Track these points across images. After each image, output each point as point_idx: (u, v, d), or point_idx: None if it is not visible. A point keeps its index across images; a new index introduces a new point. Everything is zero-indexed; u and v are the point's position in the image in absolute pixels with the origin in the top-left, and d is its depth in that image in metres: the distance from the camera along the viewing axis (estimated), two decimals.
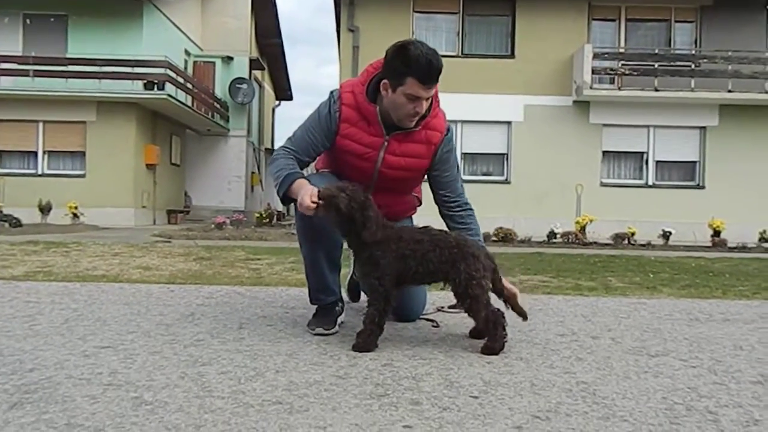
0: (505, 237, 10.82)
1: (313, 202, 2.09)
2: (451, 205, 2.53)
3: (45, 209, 13.27)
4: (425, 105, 2.27)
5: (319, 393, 1.64)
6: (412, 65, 2.16)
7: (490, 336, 2.12)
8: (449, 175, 2.51)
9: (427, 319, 2.68)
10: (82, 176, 14.65)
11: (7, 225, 11.31)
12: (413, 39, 2.21)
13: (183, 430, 1.36)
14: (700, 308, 3.29)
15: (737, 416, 1.55)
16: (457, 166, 2.56)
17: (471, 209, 2.57)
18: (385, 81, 2.27)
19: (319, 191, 2.10)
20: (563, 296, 3.69)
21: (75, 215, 13.17)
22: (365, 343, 2.10)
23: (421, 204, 2.84)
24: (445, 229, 2.42)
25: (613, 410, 1.57)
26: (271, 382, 1.73)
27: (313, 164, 2.62)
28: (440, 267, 2.13)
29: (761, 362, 2.12)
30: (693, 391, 1.75)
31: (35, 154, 14.88)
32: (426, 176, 2.55)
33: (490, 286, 2.17)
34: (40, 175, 14.76)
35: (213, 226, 11.90)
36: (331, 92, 2.43)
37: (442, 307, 2.91)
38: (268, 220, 13.50)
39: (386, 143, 2.37)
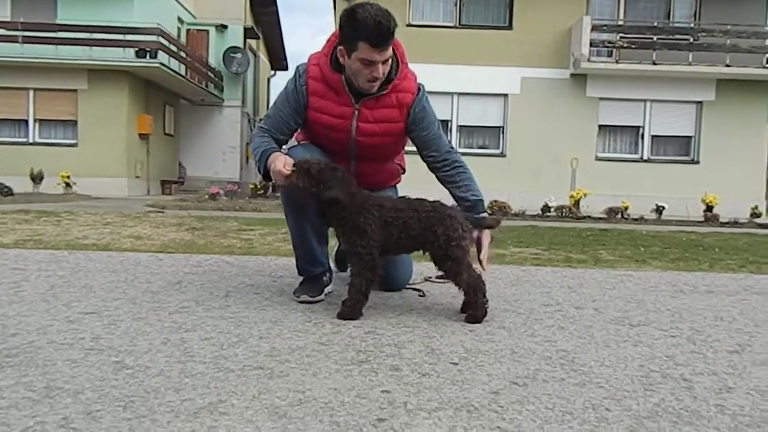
0: (499, 210, 10.83)
1: (287, 170, 2.10)
2: (438, 166, 2.46)
3: (37, 178, 13.20)
4: (382, 69, 2.21)
5: (300, 359, 1.66)
6: (361, 29, 2.11)
7: (471, 304, 2.14)
8: (429, 134, 2.44)
9: (414, 289, 2.70)
10: (74, 145, 14.53)
11: None
12: (365, 1, 2.13)
13: (162, 393, 1.37)
14: (685, 280, 3.32)
15: (711, 383, 1.58)
16: (438, 124, 2.48)
17: (460, 165, 2.47)
18: (340, 47, 2.23)
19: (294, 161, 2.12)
20: (552, 268, 3.71)
21: (67, 185, 13.11)
22: (350, 311, 2.11)
23: (404, 172, 2.82)
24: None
25: (590, 377, 1.59)
26: (253, 348, 1.74)
27: (292, 140, 2.60)
28: (420, 233, 2.13)
29: (740, 332, 2.15)
30: (670, 360, 1.78)
31: (26, 122, 14.72)
32: (411, 141, 2.51)
33: (471, 248, 2.17)
34: (31, 144, 14.63)
35: (207, 196, 11.87)
36: (297, 67, 2.41)
37: (430, 277, 2.93)
38: (262, 191, 13.44)
39: (357, 112, 2.34)
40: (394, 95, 2.35)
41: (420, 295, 2.59)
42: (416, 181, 3.41)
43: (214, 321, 2.03)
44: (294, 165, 2.12)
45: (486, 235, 2.40)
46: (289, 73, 2.55)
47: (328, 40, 2.35)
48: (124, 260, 3.31)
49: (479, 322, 2.11)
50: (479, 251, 2.36)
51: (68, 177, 13.15)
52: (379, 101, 2.34)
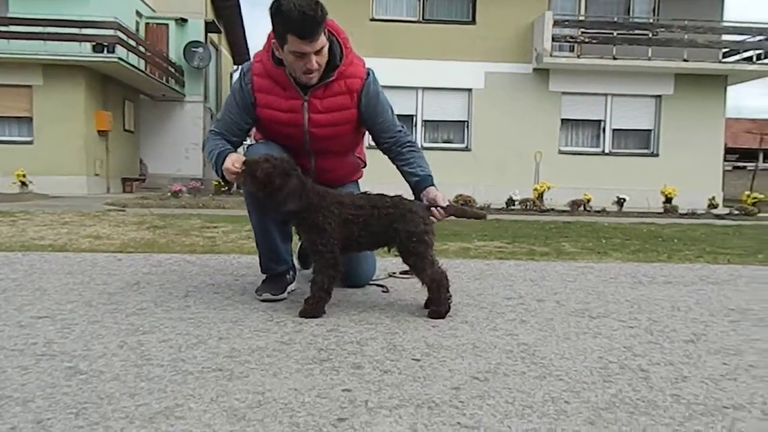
0: (464, 204, 10.91)
1: (235, 168, 2.07)
2: (390, 147, 2.44)
3: None
4: (316, 59, 2.16)
5: (261, 359, 1.63)
6: (287, 21, 2.06)
7: (434, 299, 2.14)
8: (383, 120, 2.42)
9: (378, 285, 2.69)
10: (30, 143, 14.06)
11: None
12: None
13: (116, 399, 1.33)
14: (644, 271, 3.40)
15: (667, 373, 1.61)
16: (390, 108, 2.45)
17: (411, 144, 2.46)
18: (274, 41, 2.19)
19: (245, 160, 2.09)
20: (515, 261, 3.75)
21: (23, 183, 12.67)
22: (312, 308, 2.09)
23: (365, 166, 2.81)
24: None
25: (550, 370, 1.61)
26: (212, 350, 1.71)
27: (250, 139, 2.56)
28: (382, 230, 2.12)
29: (696, 322, 2.20)
30: (628, 351, 1.81)
31: None
32: (365, 127, 2.48)
33: (433, 242, 2.16)
34: None
35: (169, 194, 11.64)
36: (241, 66, 2.39)
37: (394, 273, 2.93)
38: (226, 188, 13.25)
39: (306, 103, 2.30)
40: (342, 81, 2.31)
41: (384, 291, 2.59)
42: (379, 176, 3.41)
43: (172, 322, 1.99)
44: (243, 164, 2.09)
45: (430, 192, 2.34)
46: None
47: (267, 36, 2.29)
48: (81, 261, 3.22)
49: (442, 317, 2.12)
50: (437, 204, 2.28)
51: (24, 176, 12.71)
52: (327, 89, 2.30)
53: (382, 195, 2.18)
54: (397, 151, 2.44)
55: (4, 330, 1.86)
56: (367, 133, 2.55)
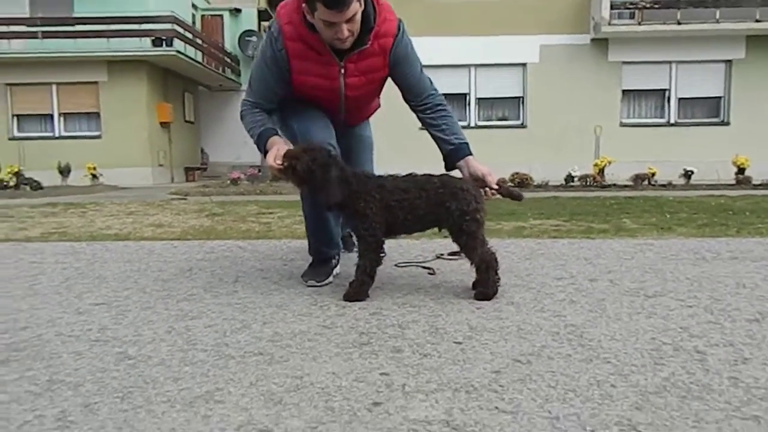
0: (521, 182, 10.67)
1: (277, 164, 2.07)
2: (420, 108, 2.37)
3: (64, 171, 13.44)
4: (347, 27, 2.09)
5: (302, 343, 1.65)
6: None
7: (482, 281, 2.09)
8: (410, 75, 2.33)
9: (424, 267, 2.66)
10: (98, 137, 14.73)
11: (28, 188, 11.50)
12: None
13: (161, 383, 1.37)
14: (708, 247, 3.22)
15: (726, 355, 1.52)
16: (420, 65, 2.36)
17: (443, 108, 2.36)
18: (304, 5, 2.11)
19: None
20: (569, 240, 3.63)
21: (94, 176, 13.32)
22: (356, 292, 2.09)
23: (380, 106, 2.81)
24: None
25: (598, 352, 1.54)
26: (256, 334, 1.73)
27: None
28: (430, 210, 2.08)
29: (762, 300, 2.07)
30: (684, 331, 1.72)
31: (51, 116, 14.96)
32: (394, 83, 2.40)
33: (484, 220, 2.10)
34: (57, 138, 14.88)
35: (228, 182, 11.95)
36: (269, 27, 2.29)
37: (442, 254, 2.89)
38: None
39: (343, 69, 2.25)
40: (376, 43, 2.23)
41: (430, 273, 2.56)
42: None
43: (220, 308, 2.03)
44: (284, 158, 2.08)
45: (473, 166, 2.28)
46: None
47: None
48: (139, 249, 3.35)
49: (489, 299, 2.07)
50: (484, 181, 2.23)
51: (94, 169, 13.36)
52: (362, 53, 2.23)
53: (430, 175, 2.14)
54: (428, 115, 2.35)
55: (63, 317, 1.95)
56: None
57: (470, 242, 2.07)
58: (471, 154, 2.31)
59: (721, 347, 1.58)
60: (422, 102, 2.35)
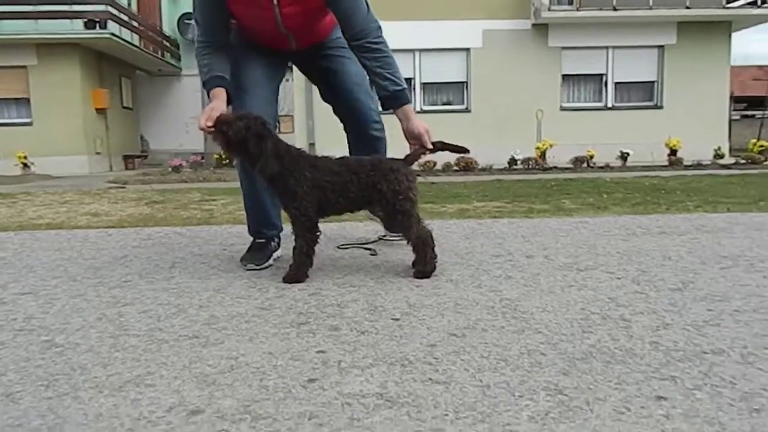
0: (466, 166, 10.82)
1: (208, 126, 2.03)
2: (354, 46, 2.24)
3: None
4: None
5: (239, 325, 1.63)
6: None
7: (419, 259, 2.11)
8: (348, 8, 2.19)
9: (366, 248, 2.67)
10: (29, 124, 14.01)
11: None
12: None
13: (88, 370, 1.33)
14: (639, 223, 3.35)
15: (649, 322, 1.59)
16: (365, 5, 2.23)
17: (376, 48, 2.22)
18: None
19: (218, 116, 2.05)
20: (508, 219, 3.72)
21: (25, 165, 12.69)
22: (294, 274, 2.08)
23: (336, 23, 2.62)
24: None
25: (530, 323, 1.59)
26: (191, 318, 1.70)
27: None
28: (361, 193, 2.07)
29: (685, 270, 2.17)
30: (612, 301, 1.79)
31: None
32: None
33: (417, 198, 2.12)
34: None
35: (170, 169, 11.63)
36: None
37: (384, 236, 2.90)
38: (227, 161, 13.19)
39: (275, 1, 2.17)
40: None
41: (372, 254, 2.57)
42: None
43: (155, 293, 1.98)
44: (216, 122, 2.04)
45: (412, 123, 2.22)
46: None
47: None
48: (72, 238, 3.21)
49: (428, 277, 2.10)
50: (417, 135, 2.19)
51: (25, 157, 12.73)
52: None
53: (360, 159, 2.13)
54: (362, 54, 2.24)
55: None
56: None
57: (405, 221, 2.08)
58: (407, 102, 2.23)
59: (645, 315, 1.65)
60: (356, 39, 2.22)
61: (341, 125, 2.65)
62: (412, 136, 2.22)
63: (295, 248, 2.08)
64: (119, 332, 1.59)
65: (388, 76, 2.22)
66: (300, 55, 2.54)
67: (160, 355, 1.41)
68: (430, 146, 2.21)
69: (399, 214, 2.08)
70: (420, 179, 2.20)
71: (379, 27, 2.26)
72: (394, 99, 2.23)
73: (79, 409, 1.13)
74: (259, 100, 2.35)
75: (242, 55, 2.40)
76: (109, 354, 1.43)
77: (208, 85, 2.22)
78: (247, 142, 1.99)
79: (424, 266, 2.11)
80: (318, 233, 2.10)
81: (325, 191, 2.05)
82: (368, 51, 2.23)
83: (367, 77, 2.36)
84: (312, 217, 2.06)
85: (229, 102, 2.24)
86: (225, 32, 2.31)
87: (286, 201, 2.06)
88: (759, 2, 13.76)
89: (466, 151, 2.33)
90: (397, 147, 2.46)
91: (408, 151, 2.21)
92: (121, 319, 1.70)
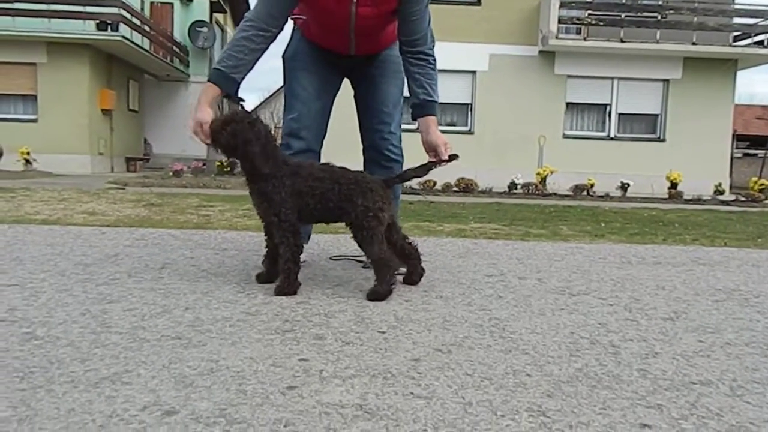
0: (466, 187, 10.85)
1: (205, 141, 2.03)
2: (405, 49, 2.25)
3: None
4: None
5: (223, 329, 1.60)
6: None
7: (378, 278, 2.03)
8: (412, 11, 2.17)
9: (358, 260, 2.65)
10: (34, 121, 14.05)
11: None
12: None
13: (66, 364, 1.31)
14: (635, 252, 3.34)
15: (638, 349, 1.57)
16: (426, 8, 2.22)
17: (424, 59, 2.25)
18: None
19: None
20: (504, 241, 3.70)
21: (27, 161, 12.71)
22: (285, 285, 2.02)
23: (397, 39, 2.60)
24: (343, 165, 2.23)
25: (518, 344, 1.57)
26: (176, 319, 1.68)
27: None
28: (338, 204, 2.04)
29: (678, 301, 2.16)
30: (602, 327, 1.77)
31: None
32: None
33: (386, 221, 2.07)
34: None
35: (171, 173, 11.64)
36: None
37: None
38: (229, 168, 13.22)
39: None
40: None
41: (363, 267, 2.55)
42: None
43: (141, 292, 1.96)
44: (210, 135, 2.02)
45: (432, 135, 2.23)
46: None
47: None
48: (65, 234, 3.20)
49: (381, 299, 2.00)
50: (434, 146, 2.21)
51: (28, 153, 12.74)
52: None
53: (345, 169, 2.11)
54: (409, 60, 2.26)
55: None
56: None
57: (368, 239, 2.03)
58: (433, 113, 2.25)
59: (635, 342, 1.63)
60: (411, 44, 2.23)
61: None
62: (430, 148, 2.22)
63: (280, 257, 2.04)
64: (101, 329, 1.57)
65: (425, 84, 2.24)
66: (352, 61, 2.49)
67: (140, 354, 1.39)
68: (446, 158, 2.20)
69: (364, 230, 2.03)
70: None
71: (434, 42, 2.30)
72: (422, 107, 2.25)
73: (51, 403, 1.11)
74: (314, 113, 2.37)
75: (301, 64, 2.39)
76: (89, 350, 1.40)
77: (220, 82, 2.11)
78: (235, 147, 1.99)
79: (380, 286, 2.03)
80: (302, 237, 2.07)
81: (304, 196, 2.02)
82: (418, 58, 2.25)
83: (401, 104, 2.43)
84: (294, 222, 2.03)
85: (227, 96, 2.18)
86: (280, 22, 2.17)
87: (264, 207, 2.03)
88: (766, 42, 13.87)
89: (454, 157, 2.29)
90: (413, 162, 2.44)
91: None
92: (105, 316, 1.68)
